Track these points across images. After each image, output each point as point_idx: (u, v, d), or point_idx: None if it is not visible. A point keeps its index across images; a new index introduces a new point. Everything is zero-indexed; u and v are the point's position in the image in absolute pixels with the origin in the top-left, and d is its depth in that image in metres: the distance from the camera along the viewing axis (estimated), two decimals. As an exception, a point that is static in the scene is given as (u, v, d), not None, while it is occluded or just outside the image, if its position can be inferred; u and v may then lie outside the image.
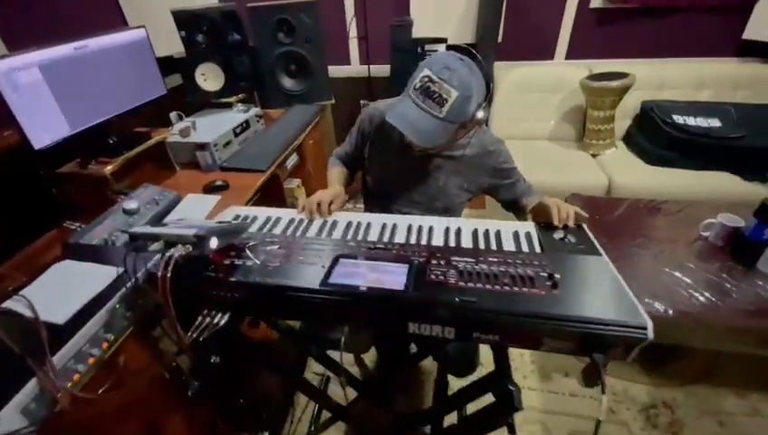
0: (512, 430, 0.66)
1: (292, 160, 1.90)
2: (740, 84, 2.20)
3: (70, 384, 0.69)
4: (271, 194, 1.72)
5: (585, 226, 0.88)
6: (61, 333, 0.74)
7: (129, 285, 0.75)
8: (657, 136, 2.14)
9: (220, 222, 0.89)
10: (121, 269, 0.90)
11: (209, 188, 1.41)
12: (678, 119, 2.10)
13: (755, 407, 1.34)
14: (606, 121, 2.30)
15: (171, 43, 1.80)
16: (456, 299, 0.63)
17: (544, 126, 2.56)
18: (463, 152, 1.08)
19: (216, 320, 0.75)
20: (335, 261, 0.75)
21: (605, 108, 2.25)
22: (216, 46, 1.76)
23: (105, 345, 0.79)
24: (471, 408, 0.98)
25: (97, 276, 0.88)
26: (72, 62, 1.17)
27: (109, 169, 1.27)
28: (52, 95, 1.12)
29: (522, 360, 1.60)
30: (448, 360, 1.08)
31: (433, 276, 0.70)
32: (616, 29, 2.39)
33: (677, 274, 1.25)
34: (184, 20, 1.66)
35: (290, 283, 0.69)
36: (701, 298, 1.18)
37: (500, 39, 2.39)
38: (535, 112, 2.52)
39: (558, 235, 0.85)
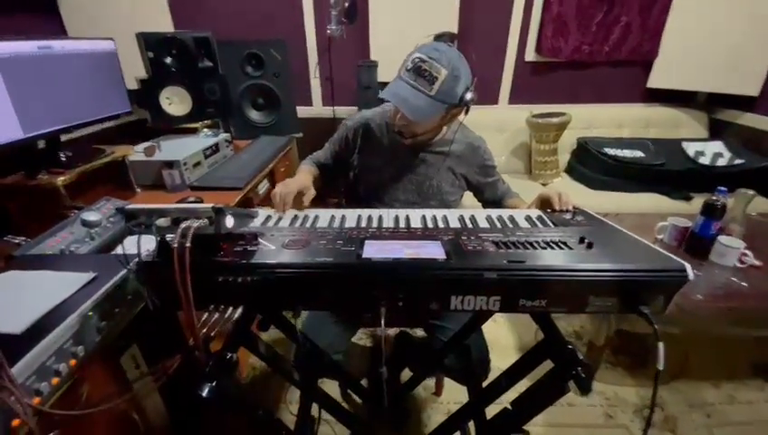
0: (586, 386, 0.62)
1: (263, 187, 1.82)
2: (651, 124, 2.63)
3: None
4: (242, 220, 1.61)
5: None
6: (18, 345, 0.58)
7: (126, 270, 0.62)
8: (596, 165, 2.43)
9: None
10: (92, 274, 0.76)
11: (180, 206, 1.28)
12: (610, 151, 2.42)
13: (731, 395, 1.42)
14: (550, 154, 2.57)
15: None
16: (505, 261, 0.62)
17: (497, 161, 2.77)
18: (449, 147, 1.13)
19: (227, 315, 0.64)
20: (362, 242, 0.70)
21: (549, 141, 2.53)
22: (186, 71, 1.70)
23: (73, 362, 0.64)
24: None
25: (60, 283, 0.73)
26: (34, 62, 1.05)
27: (62, 179, 1.11)
28: (8, 92, 0.98)
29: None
30: (464, 366, 1.02)
31: (471, 247, 0.68)
32: (548, 78, 2.78)
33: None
34: (152, 43, 1.60)
35: (323, 259, 0.62)
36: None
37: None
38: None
39: (566, 215, 0.90)
